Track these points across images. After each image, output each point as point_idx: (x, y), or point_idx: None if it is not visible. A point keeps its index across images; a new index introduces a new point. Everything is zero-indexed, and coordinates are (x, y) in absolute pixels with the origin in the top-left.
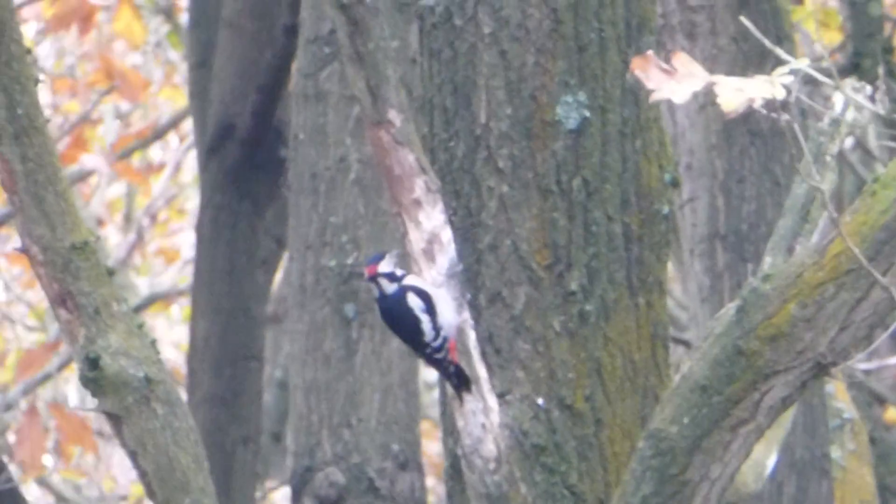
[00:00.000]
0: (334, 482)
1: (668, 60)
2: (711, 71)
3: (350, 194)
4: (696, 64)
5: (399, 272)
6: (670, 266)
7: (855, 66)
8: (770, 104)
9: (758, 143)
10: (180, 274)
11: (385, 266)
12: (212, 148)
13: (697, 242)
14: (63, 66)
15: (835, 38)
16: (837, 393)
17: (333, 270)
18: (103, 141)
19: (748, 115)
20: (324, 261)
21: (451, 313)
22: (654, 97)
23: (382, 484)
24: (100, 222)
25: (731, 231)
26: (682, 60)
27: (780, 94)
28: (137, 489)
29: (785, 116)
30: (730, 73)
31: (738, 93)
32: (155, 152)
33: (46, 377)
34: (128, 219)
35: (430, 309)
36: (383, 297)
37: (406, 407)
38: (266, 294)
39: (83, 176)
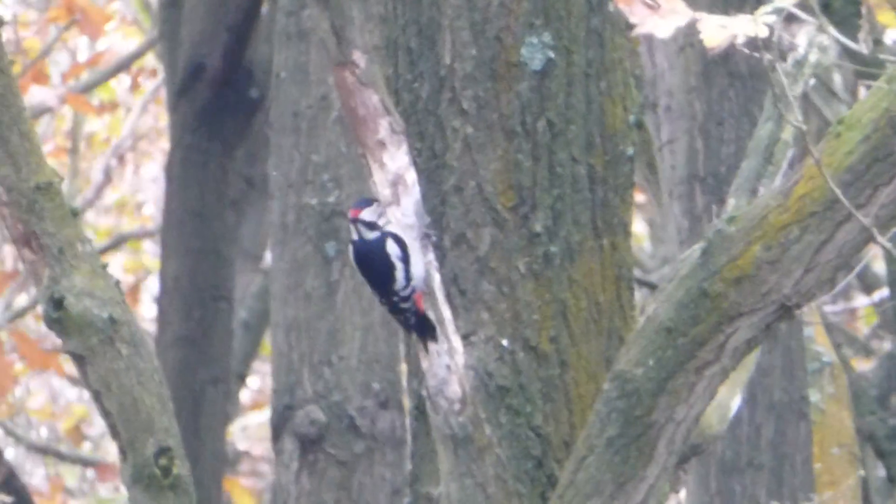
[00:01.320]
0: (315, 420)
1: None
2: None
3: (332, 133)
4: (679, 0)
5: (381, 222)
6: (649, 206)
7: (825, 6)
8: (752, 43)
9: (737, 84)
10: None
11: (369, 214)
12: (182, 89)
13: (676, 184)
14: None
15: None
16: (816, 336)
17: (315, 209)
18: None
19: (728, 56)
20: (305, 199)
21: (420, 265)
22: (637, 31)
23: (363, 422)
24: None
25: (709, 173)
26: None
27: (763, 33)
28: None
29: (767, 56)
30: (710, 13)
31: (722, 30)
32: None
33: (24, 310)
34: (74, 150)
35: (406, 258)
36: (361, 241)
37: (387, 346)
38: (236, 235)
39: (36, 114)
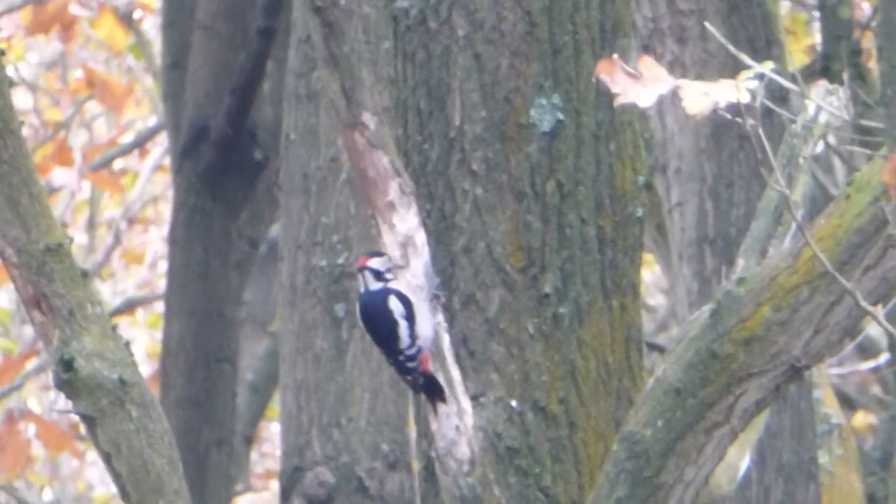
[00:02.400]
0: (324, 482)
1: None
2: (702, 76)
3: (341, 194)
4: (661, 68)
5: (388, 275)
6: (658, 270)
7: (825, 70)
8: (734, 108)
9: (747, 147)
10: (144, 279)
11: (377, 263)
12: (185, 150)
13: (686, 246)
14: (49, 75)
15: (802, 43)
16: (825, 398)
17: (324, 270)
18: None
19: (737, 119)
20: (314, 260)
21: (429, 326)
22: (619, 101)
23: (372, 484)
24: (63, 226)
25: (719, 235)
26: (647, 65)
27: (745, 98)
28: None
29: (750, 121)
30: (720, 77)
31: (704, 96)
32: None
33: (12, 388)
34: (91, 223)
35: (410, 316)
36: (366, 293)
37: (395, 407)
38: (240, 296)
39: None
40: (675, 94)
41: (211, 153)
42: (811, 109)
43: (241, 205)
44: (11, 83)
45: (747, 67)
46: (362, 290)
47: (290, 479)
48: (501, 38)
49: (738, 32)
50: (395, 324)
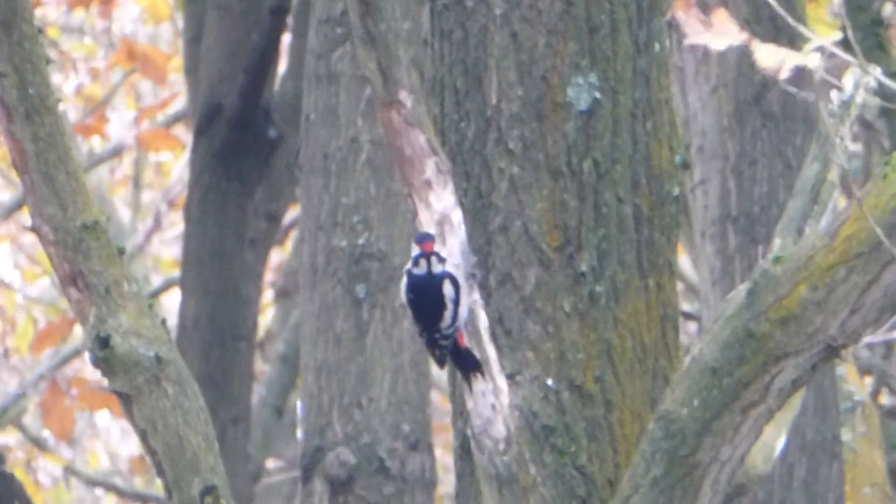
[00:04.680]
0: (344, 462)
1: (679, 42)
2: (725, 52)
3: (361, 175)
4: (733, 23)
5: (444, 255)
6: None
7: (845, 40)
8: (793, 83)
9: (770, 125)
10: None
11: (439, 248)
12: (200, 128)
13: (709, 224)
14: (86, 49)
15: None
16: (848, 375)
17: (344, 251)
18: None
19: (760, 97)
20: (335, 241)
21: (467, 305)
22: (690, 41)
23: (393, 464)
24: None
25: (742, 213)
26: (720, 17)
27: (814, 64)
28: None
29: (811, 94)
30: (742, 54)
31: (774, 55)
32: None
33: (74, 353)
34: (136, 185)
35: (457, 300)
36: (425, 275)
37: (416, 387)
38: (257, 274)
39: (110, 155)
40: (744, 49)
41: (225, 131)
42: (848, 88)
43: (255, 183)
44: (48, 60)
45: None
46: (418, 272)
47: (311, 460)
48: (538, 17)
49: (761, 10)
50: (443, 307)
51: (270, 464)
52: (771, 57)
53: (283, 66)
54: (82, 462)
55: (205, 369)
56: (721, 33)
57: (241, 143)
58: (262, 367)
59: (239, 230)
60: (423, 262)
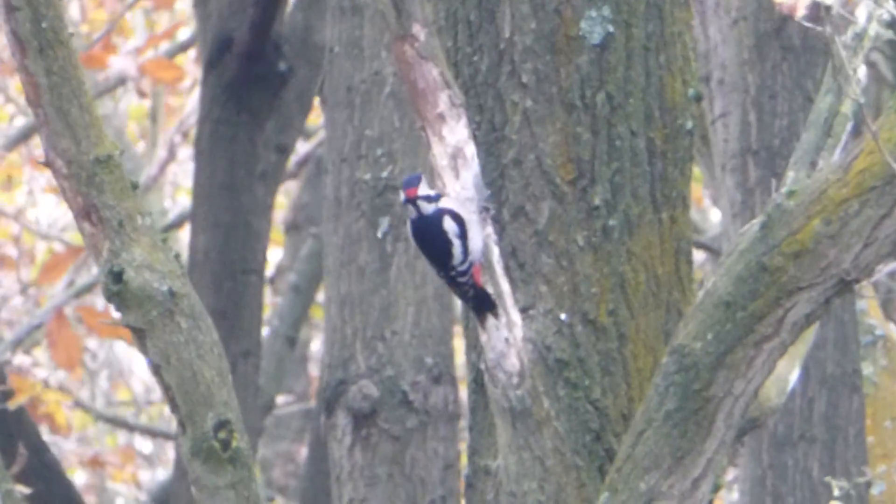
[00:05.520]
0: (367, 395)
1: None
2: None
3: (385, 108)
4: None
5: (434, 193)
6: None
7: None
8: (809, 17)
9: (790, 58)
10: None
11: (424, 189)
12: (210, 62)
13: (729, 158)
14: None
15: None
16: (870, 309)
17: (368, 184)
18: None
19: (781, 30)
20: (359, 174)
21: (479, 239)
22: None
23: (416, 397)
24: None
25: (762, 147)
26: None
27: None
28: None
29: (828, 28)
30: None
31: None
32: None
33: (89, 285)
34: (154, 119)
35: (463, 233)
36: (420, 217)
37: (440, 320)
38: (267, 207)
39: (113, 86)
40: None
41: (235, 65)
42: (862, 19)
43: (266, 116)
44: None
45: None
46: (413, 215)
47: (335, 392)
48: None
49: None
50: (449, 243)
51: (279, 398)
52: None
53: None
54: (103, 400)
55: (215, 303)
56: None
57: (251, 77)
58: (273, 301)
59: (249, 164)
60: (411, 208)
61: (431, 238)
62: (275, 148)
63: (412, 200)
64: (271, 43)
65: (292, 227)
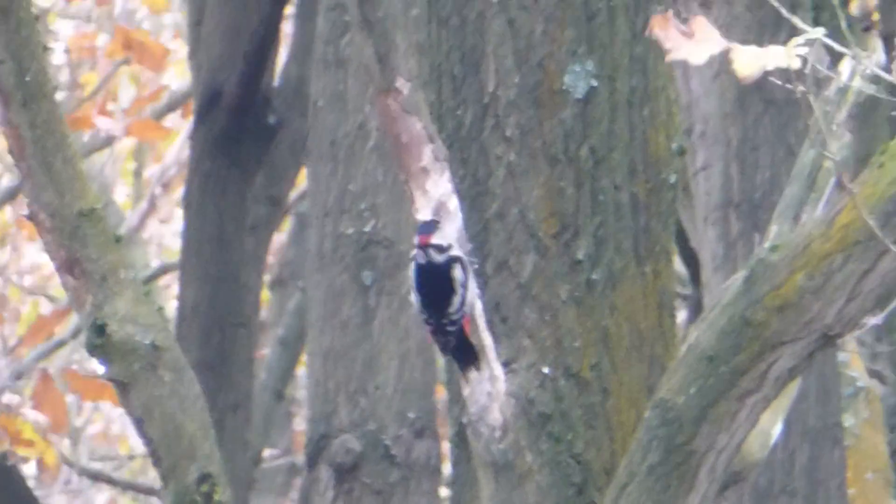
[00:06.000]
0: (350, 449)
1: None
2: (726, 39)
3: (369, 161)
4: (713, 29)
5: (446, 243)
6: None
7: (814, 20)
8: (785, 73)
9: (772, 111)
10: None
11: (438, 238)
12: (200, 114)
13: (711, 210)
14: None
15: None
16: (851, 361)
17: (351, 237)
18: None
19: (763, 83)
20: (342, 228)
21: (475, 290)
22: (671, 57)
23: (398, 451)
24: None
25: (744, 199)
26: (699, 24)
27: (796, 65)
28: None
29: (800, 87)
30: (745, 41)
31: (755, 60)
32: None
33: (60, 343)
34: (138, 175)
35: (466, 283)
36: (429, 263)
37: (422, 374)
38: (257, 261)
39: (101, 145)
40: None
41: (225, 117)
42: (846, 74)
43: (255, 169)
44: (46, 47)
45: (769, 33)
46: (422, 260)
47: (317, 447)
48: (535, 4)
49: None
50: (452, 291)
51: (265, 451)
52: (751, 62)
53: (283, 52)
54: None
55: (204, 356)
56: (702, 41)
57: (240, 130)
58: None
59: (238, 216)
60: (421, 254)
61: (436, 283)
62: (266, 200)
63: (424, 248)
64: (261, 96)
65: (277, 283)
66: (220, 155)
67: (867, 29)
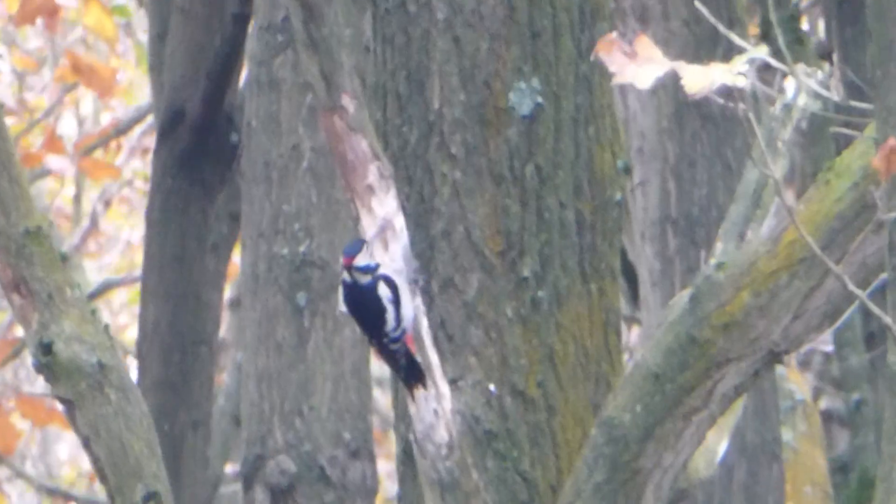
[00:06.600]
0: (285, 470)
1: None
2: (664, 55)
3: (303, 183)
4: (656, 49)
5: (373, 263)
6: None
7: (763, 36)
8: (724, 90)
9: (709, 127)
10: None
11: (362, 258)
12: (162, 132)
13: (648, 226)
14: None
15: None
16: (789, 375)
17: (286, 258)
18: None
19: (700, 99)
20: (276, 249)
21: (410, 307)
22: (617, 80)
23: (334, 472)
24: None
25: (682, 215)
26: (642, 45)
27: (741, 83)
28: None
29: (741, 105)
30: (681, 56)
31: (702, 78)
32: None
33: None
34: (77, 199)
35: (396, 300)
36: (354, 283)
37: (357, 395)
38: (218, 279)
39: (45, 175)
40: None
41: (187, 136)
42: (791, 91)
43: (218, 188)
44: None
45: (706, 49)
46: (348, 279)
47: (252, 468)
48: (481, 22)
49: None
50: (383, 309)
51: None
52: (699, 79)
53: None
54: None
55: (165, 373)
56: (645, 62)
57: (203, 149)
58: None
59: (200, 235)
60: (346, 274)
61: (365, 303)
62: (228, 216)
63: (348, 269)
64: (224, 114)
65: (236, 303)
66: (182, 173)
67: (824, 57)
